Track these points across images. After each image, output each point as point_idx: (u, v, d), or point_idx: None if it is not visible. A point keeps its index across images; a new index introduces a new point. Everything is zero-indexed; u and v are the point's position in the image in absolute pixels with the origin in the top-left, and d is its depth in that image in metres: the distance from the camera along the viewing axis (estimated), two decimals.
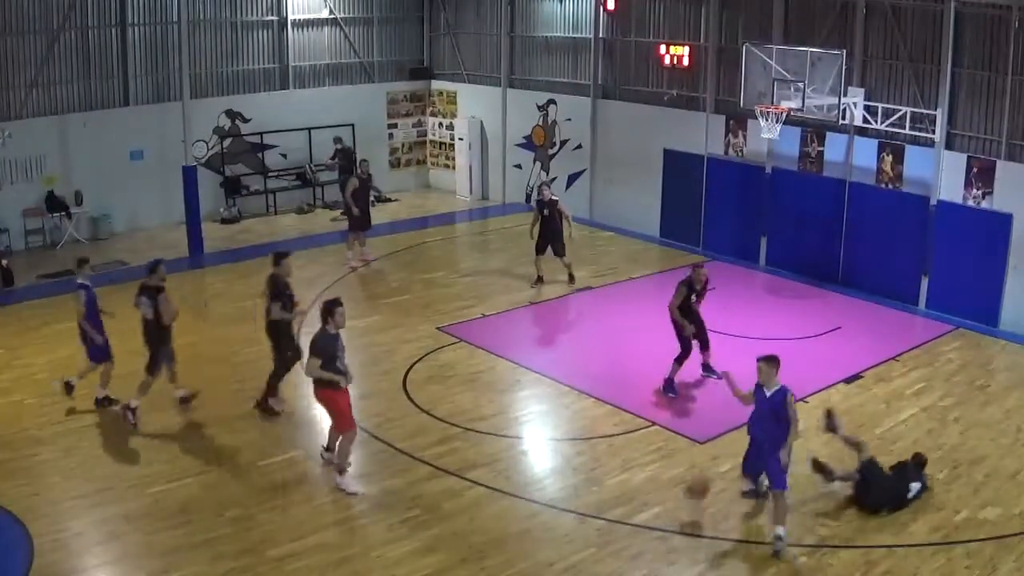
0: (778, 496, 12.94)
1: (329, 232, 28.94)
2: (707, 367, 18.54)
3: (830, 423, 14.70)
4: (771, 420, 13.03)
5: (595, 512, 13.83)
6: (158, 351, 16.71)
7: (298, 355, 17.00)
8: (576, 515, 13.77)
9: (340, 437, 14.60)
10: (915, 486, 14.16)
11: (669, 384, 17.85)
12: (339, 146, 31.08)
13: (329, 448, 15.07)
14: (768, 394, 13.05)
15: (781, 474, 12.90)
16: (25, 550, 12.61)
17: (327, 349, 14.14)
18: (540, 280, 24.09)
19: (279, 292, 16.73)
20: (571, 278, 24.19)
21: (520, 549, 12.93)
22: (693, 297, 17.98)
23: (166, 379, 16.96)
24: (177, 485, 14.38)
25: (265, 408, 16.95)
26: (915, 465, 14.48)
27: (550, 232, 23.60)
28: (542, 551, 12.87)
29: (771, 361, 13.06)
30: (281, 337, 16.93)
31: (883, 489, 13.95)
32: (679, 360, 17.88)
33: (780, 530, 12.79)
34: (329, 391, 14.27)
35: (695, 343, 18.13)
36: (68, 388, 17.18)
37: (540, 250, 23.85)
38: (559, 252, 23.77)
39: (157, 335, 16.68)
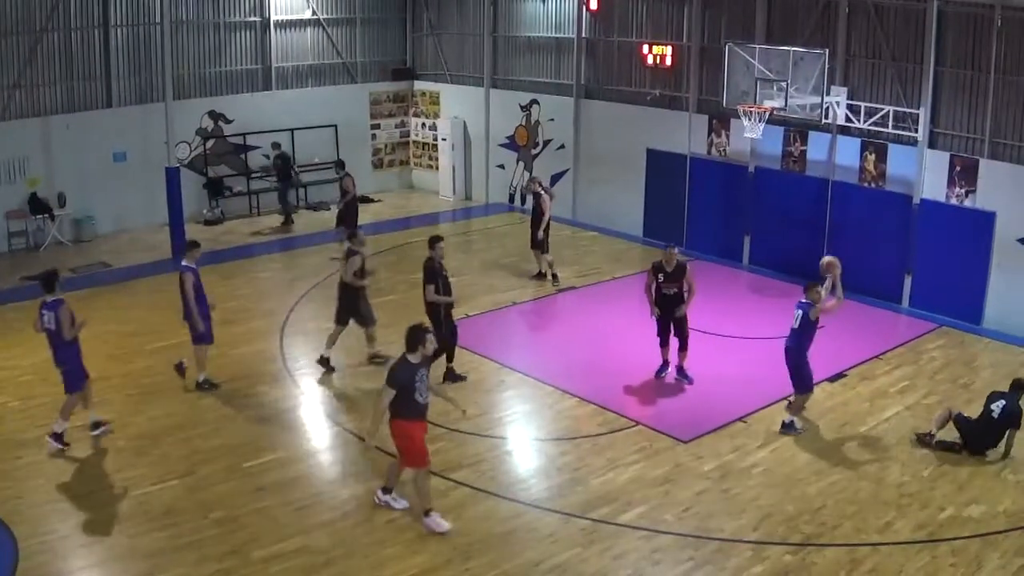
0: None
1: (310, 234, 28.91)
2: (681, 371, 18.54)
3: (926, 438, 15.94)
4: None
5: (580, 512, 13.84)
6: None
7: (454, 336, 18.30)
8: (561, 515, 13.78)
9: (414, 475, 13.46)
10: (998, 405, 15.33)
11: (681, 372, 18.57)
12: (277, 151, 30.84)
13: (388, 488, 13.88)
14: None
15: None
16: (10, 553, 12.56)
17: (404, 380, 12.81)
18: (540, 275, 24.51)
19: (434, 275, 17.78)
20: (549, 277, 24.37)
21: (505, 549, 12.93)
22: (660, 277, 17.88)
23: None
24: (161, 487, 14.33)
25: (455, 378, 18.27)
26: (1005, 392, 15.61)
27: (533, 225, 24.18)
28: (527, 551, 12.87)
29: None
30: (437, 319, 17.66)
31: (975, 433, 15.47)
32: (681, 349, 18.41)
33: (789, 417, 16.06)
34: (404, 422, 12.95)
35: (675, 342, 18.27)
36: (180, 369, 18.10)
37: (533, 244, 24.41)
38: (531, 245, 24.27)
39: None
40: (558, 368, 19.05)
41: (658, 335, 18.47)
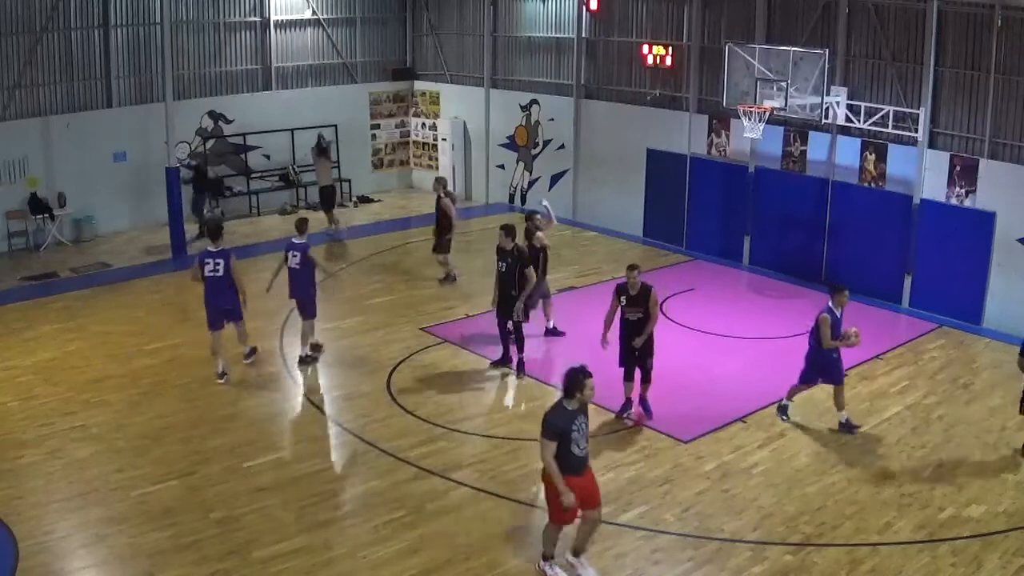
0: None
1: (311, 234, 28.83)
2: (644, 403, 16.90)
3: None
4: None
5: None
6: None
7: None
8: None
9: (584, 527, 12.18)
10: None
11: (644, 405, 17.04)
12: (196, 161, 29.86)
13: (577, 551, 12.38)
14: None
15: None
16: (10, 553, 12.56)
17: (562, 428, 11.46)
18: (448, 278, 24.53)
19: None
20: (450, 277, 24.51)
21: (505, 549, 12.93)
22: (623, 300, 16.35)
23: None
24: (162, 487, 14.34)
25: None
26: None
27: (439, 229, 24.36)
28: (527, 551, 12.86)
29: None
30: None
31: None
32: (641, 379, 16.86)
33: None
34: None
35: (638, 372, 16.70)
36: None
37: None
38: (434, 249, 24.51)
39: None
40: (558, 368, 19.01)
41: (621, 366, 16.68)
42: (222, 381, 18.07)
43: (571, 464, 11.49)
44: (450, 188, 24.66)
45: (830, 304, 16.19)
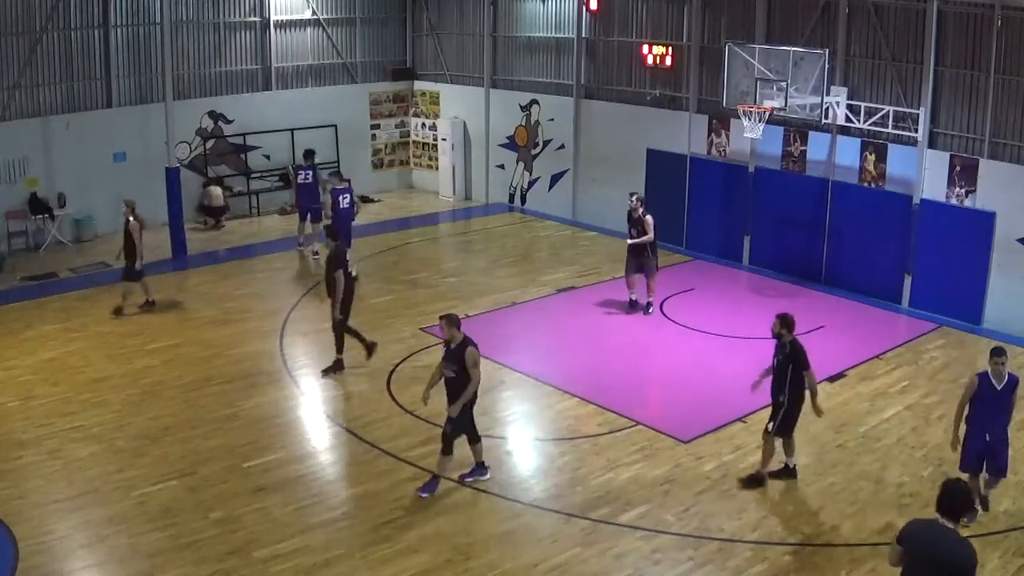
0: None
1: (310, 234, 28.88)
2: (478, 468, 14.94)
3: None
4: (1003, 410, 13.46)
5: (580, 512, 13.84)
6: None
7: None
8: (561, 515, 13.78)
9: None
10: None
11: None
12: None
13: None
14: (999, 386, 13.35)
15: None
16: (9, 553, 12.56)
17: None
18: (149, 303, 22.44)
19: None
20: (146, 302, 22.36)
21: (505, 549, 12.93)
22: (443, 351, 14.30)
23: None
24: (161, 487, 14.34)
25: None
26: None
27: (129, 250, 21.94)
28: (527, 551, 12.87)
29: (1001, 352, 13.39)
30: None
31: None
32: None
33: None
34: None
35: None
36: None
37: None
38: (124, 277, 22.13)
39: None
40: (558, 368, 19.06)
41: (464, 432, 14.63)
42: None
43: None
44: (139, 211, 22.13)
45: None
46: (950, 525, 8.81)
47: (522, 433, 16.70)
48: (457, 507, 13.99)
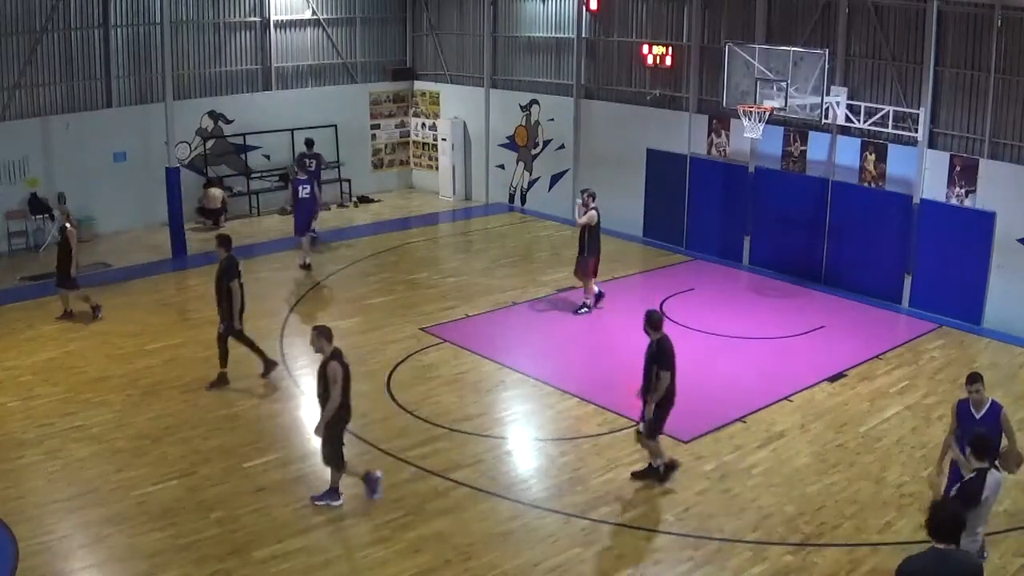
0: None
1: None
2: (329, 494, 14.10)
3: None
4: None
5: (580, 512, 13.84)
6: None
7: None
8: (561, 515, 13.77)
9: None
10: None
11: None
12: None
13: None
14: (979, 415, 12.35)
15: None
16: (10, 553, 12.55)
17: None
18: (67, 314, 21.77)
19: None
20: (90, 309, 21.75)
21: (505, 550, 12.93)
22: None
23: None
24: (161, 487, 14.32)
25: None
26: None
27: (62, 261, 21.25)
28: (527, 551, 12.86)
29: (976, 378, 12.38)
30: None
31: None
32: None
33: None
34: None
35: None
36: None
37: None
38: (57, 284, 21.54)
39: None
40: (558, 368, 19.05)
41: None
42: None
43: None
44: (73, 216, 21.95)
45: None
46: (949, 546, 8.54)
47: (522, 433, 16.69)
48: (457, 507, 13.98)
